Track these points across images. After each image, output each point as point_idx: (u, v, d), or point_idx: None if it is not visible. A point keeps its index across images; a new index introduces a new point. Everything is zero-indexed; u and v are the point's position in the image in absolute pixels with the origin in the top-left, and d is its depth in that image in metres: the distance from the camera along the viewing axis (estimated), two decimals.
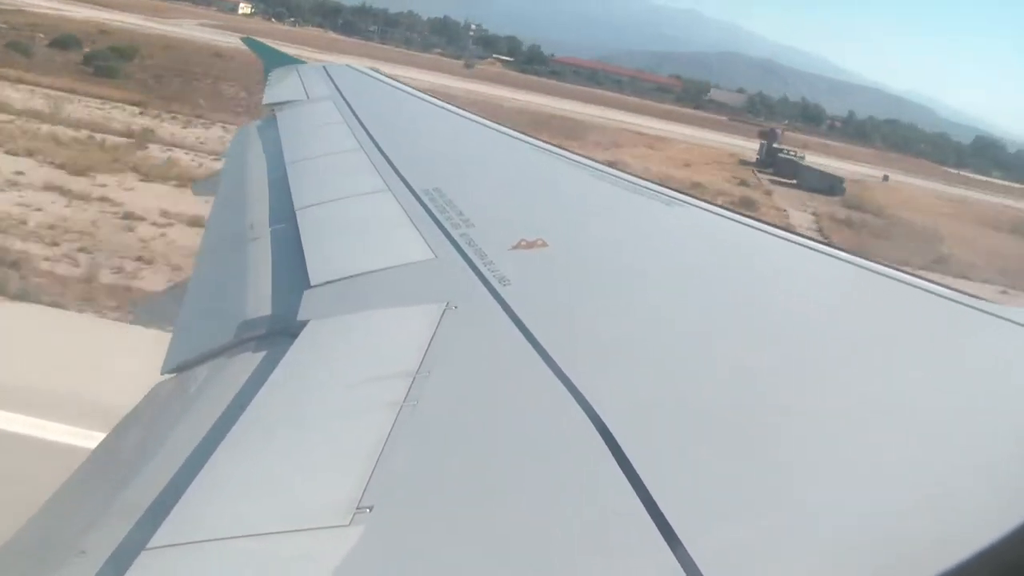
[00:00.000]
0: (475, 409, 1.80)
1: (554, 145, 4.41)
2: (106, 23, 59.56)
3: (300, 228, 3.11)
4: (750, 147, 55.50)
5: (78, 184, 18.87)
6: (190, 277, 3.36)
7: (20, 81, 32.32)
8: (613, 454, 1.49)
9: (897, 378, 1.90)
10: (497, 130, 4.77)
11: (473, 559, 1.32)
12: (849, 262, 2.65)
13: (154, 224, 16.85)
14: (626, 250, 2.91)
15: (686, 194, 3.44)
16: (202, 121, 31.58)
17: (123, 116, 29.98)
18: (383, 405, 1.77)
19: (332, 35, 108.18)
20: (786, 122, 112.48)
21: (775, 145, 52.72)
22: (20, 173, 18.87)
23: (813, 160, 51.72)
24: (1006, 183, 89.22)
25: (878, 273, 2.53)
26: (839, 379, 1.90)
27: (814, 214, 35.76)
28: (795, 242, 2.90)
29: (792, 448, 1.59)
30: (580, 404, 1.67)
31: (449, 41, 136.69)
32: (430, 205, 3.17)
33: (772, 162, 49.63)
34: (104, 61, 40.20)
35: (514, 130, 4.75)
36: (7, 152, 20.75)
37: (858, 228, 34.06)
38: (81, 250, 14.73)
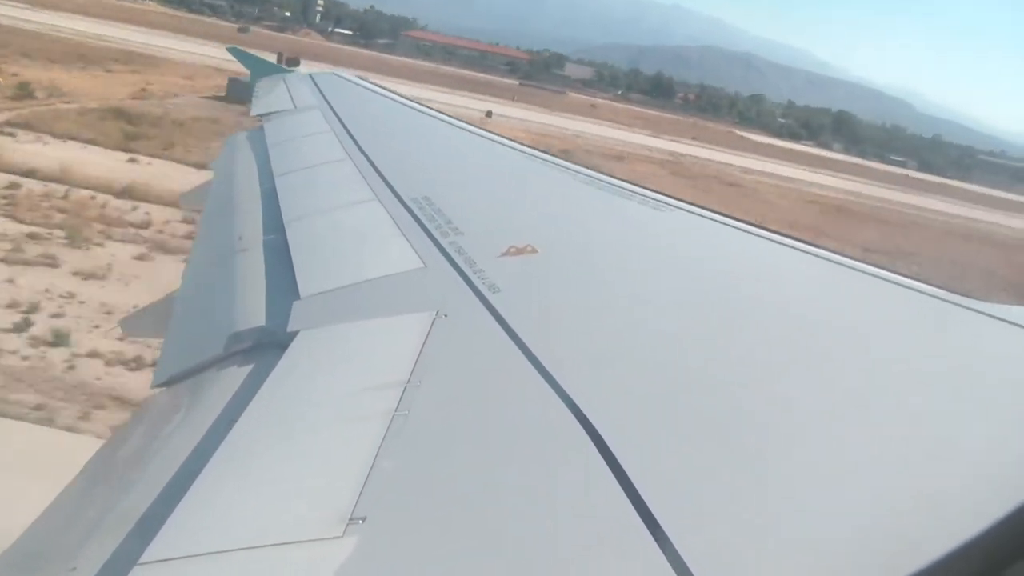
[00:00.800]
0: (466, 418, 1.80)
1: (544, 152, 4.42)
2: None
3: (289, 239, 3.10)
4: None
5: None
6: (179, 289, 3.35)
7: None
8: (605, 460, 1.50)
9: (892, 378, 1.91)
10: (486, 137, 4.78)
11: (466, 568, 1.33)
12: (842, 264, 2.65)
13: None
14: (616, 255, 2.92)
15: (675, 199, 3.46)
16: None
17: None
18: (374, 415, 1.77)
19: None
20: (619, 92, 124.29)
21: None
22: None
23: None
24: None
25: (869, 275, 2.54)
26: (831, 381, 1.90)
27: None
28: (786, 245, 2.90)
29: (784, 449, 1.60)
30: (571, 411, 1.68)
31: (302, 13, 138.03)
32: (419, 214, 3.17)
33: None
34: None
35: (503, 137, 4.75)
36: None
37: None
38: None
